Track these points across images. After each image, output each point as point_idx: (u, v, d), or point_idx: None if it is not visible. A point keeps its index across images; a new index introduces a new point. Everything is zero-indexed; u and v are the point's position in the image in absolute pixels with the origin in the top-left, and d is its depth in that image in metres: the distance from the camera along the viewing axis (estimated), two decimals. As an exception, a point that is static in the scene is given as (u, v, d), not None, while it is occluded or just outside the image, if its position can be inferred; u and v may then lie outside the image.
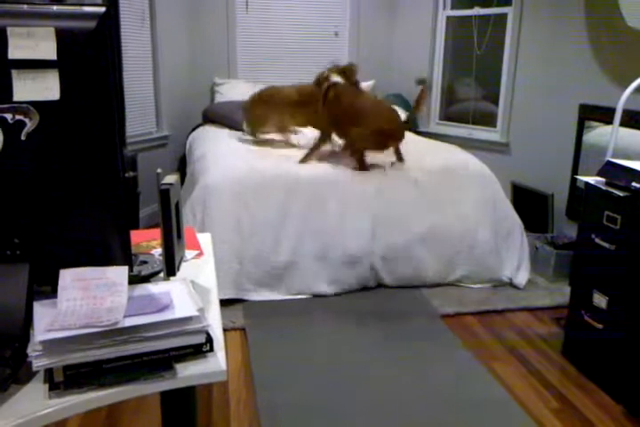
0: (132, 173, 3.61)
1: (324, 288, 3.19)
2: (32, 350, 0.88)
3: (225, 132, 4.40)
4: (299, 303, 3.09)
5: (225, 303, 3.00)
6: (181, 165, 4.89)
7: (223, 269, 2.98)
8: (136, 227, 3.79)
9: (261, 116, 3.83)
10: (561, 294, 3.22)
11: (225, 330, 2.80)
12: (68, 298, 0.96)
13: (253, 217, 3.10)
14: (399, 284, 3.30)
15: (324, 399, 2.26)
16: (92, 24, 0.99)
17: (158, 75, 4.57)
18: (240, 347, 2.69)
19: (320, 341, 2.73)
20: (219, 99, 5.05)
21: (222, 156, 3.45)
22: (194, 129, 4.86)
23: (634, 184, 2.21)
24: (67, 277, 0.98)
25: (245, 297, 3.09)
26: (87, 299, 0.95)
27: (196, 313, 0.96)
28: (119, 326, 0.90)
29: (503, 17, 4.47)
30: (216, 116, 4.73)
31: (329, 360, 2.56)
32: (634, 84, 2.67)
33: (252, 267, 3.08)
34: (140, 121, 4.37)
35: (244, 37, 5.28)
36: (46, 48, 0.96)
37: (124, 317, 0.93)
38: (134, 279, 1.11)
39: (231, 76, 5.28)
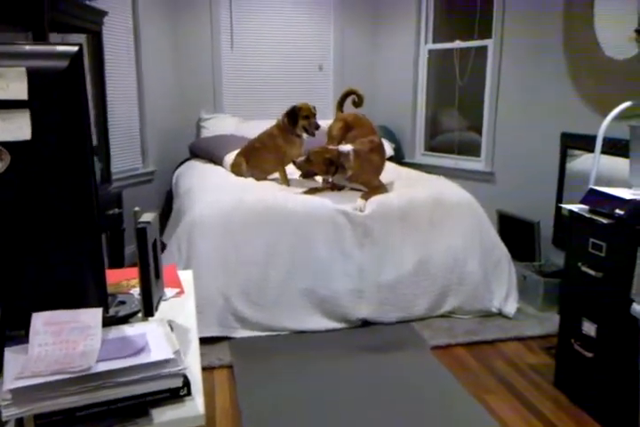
0: (116, 210, 3.58)
1: (312, 325, 3.14)
2: (1, 399, 0.84)
3: (211, 166, 4.40)
4: (286, 340, 3.04)
5: (211, 341, 2.94)
6: (168, 200, 4.87)
7: (208, 306, 2.93)
8: (121, 264, 3.74)
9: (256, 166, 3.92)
10: (551, 322, 3.20)
11: (212, 368, 2.75)
12: (39, 343, 0.93)
13: (240, 252, 3.07)
14: (389, 320, 3.25)
15: (313, 438, 2.21)
16: (64, 63, 0.99)
17: (144, 110, 4.58)
18: (228, 385, 2.63)
19: (308, 378, 2.68)
20: (205, 133, 5.07)
21: (208, 190, 3.43)
22: (180, 164, 4.86)
23: (617, 211, 2.21)
24: (39, 321, 0.96)
25: (231, 334, 3.03)
26: (59, 344, 0.93)
27: (172, 356, 0.93)
28: (92, 371, 0.87)
29: (484, 49, 4.54)
30: (202, 151, 4.74)
31: (317, 398, 2.50)
32: (613, 113, 2.70)
33: (237, 303, 3.03)
34: (125, 157, 4.36)
35: (229, 73, 5.33)
36: (17, 88, 0.96)
37: (98, 361, 0.90)
38: (110, 321, 1.08)
39: (217, 110, 5.31)
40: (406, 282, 3.25)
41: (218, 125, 5.04)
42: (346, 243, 3.20)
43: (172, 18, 5.01)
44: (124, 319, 1.17)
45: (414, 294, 3.27)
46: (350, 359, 2.84)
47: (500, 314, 3.36)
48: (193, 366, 1.06)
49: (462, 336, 3.10)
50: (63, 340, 0.93)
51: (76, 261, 1.05)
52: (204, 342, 2.72)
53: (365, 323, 3.23)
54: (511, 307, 3.36)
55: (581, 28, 3.50)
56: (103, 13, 3.28)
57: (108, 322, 1.05)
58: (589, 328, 2.39)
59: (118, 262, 3.43)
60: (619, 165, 3.02)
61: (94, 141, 3.26)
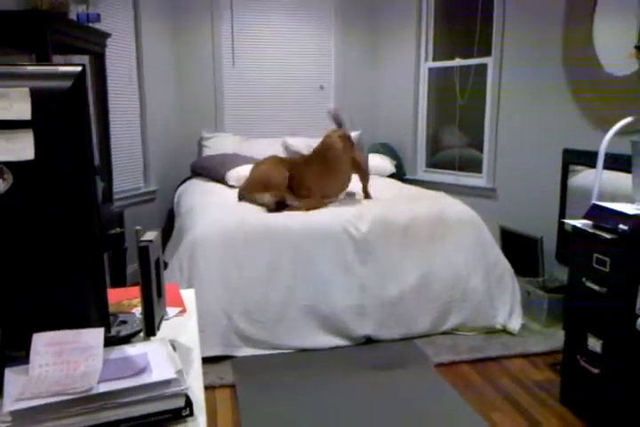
0: (118, 230, 3.58)
1: (315, 343, 3.12)
2: (1, 421, 0.83)
3: (213, 185, 4.40)
4: (289, 358, 3.02)
5: (213, 360, 2.92)
6: (169, 219, 4.87)
7: (210, 325, 2.91)
8: (123, 284, 3.74)
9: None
10: (556, 338, 3.17)
11: (214, 387, 2.72)
12: (40, 364, 0.92)
13: (242, 271, 3.06)
14: (392, 337, 3.23)
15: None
16: (67, 84, 0.99)
17: (146, 130, 4.61)
18: (230, 404, 2.60)
19: (311, 396, 2.65)
20: (206, 152, 5.09)
21: (210, 209, 3.44)
22: (182, 182, 4.87)
23: (621, 226, 2.21)
24: (40, 341, 0.95)
25: (234, 353, 3.01)
26: (60, 364, 0.92)
27: (175, 376, 0.92)
28: (93, 392, 0.86)
29: (484, 67, 4.57)
30: (204, 170, 4.75)
31: (320, 417, 2.48)
32: (614, 129, 2.71)
33: (240, 322, 3.01)
34: (127, 176, 4.38)
35: (230, 92, 5.36)
36: (21, 108, 0.96)
37: (99, 382, 0.89)
38: (112, 341, 1.07)
39: (218, 129, 5.34)
40: (409, 298, 3.24)
41: (220, 144, 5.06)
42: (347, 259, 3.19)
43: (174, 37, 5.06)
44: (126, 339, 1.16)
45: (417, 311, 3.25)
46: (353, 378, 2.82)
47: (505, 330, 3.33)
48: (195, 385, 1.04)
49: (466, 353, 3.07)
50: (64, 360, 0.93)
51: (78, 280, 1.05)
52: (206, 361, 2.70)
53: (369, 340, 3.21)
54: (515, 323, 3.33)
55: (581, 44, 3.52)
56: (106, 35, 3.32)
57: (110, 342, 1.04)
58: (595, 344, 2.37)
59: (120, 281, 3.42)
60: (621, 180, 3.02)
61: (96, 161, 3.28)
